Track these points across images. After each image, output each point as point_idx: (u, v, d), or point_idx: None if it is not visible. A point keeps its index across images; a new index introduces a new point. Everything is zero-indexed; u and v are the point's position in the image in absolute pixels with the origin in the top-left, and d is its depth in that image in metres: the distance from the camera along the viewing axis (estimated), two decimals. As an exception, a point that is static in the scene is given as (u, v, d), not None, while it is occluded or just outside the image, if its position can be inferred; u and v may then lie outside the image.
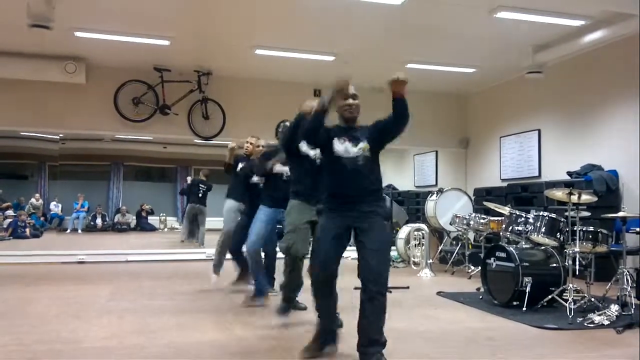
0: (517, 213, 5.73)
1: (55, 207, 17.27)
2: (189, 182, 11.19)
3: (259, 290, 5.20)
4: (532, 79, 8.38)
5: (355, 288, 3.35)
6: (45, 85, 8.82)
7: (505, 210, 6.19)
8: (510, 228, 5.70)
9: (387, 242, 3.37)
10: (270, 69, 9.26)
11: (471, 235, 8.17)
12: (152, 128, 9.51)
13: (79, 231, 16.42)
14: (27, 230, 13.71)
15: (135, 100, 9.16)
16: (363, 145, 3.35)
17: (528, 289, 4.91)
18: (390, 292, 5.89)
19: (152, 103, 9.27)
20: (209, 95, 9.51)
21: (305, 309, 4.71)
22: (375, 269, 3.19)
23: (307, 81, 9.82)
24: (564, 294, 4.89)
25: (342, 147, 3.34)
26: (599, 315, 4.44)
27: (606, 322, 4.35)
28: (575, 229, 5.00)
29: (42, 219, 16.30)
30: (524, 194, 8.34)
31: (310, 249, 3.90)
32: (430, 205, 8.92)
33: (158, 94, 9.28)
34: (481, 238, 7.60)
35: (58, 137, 16.14)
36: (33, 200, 16.62)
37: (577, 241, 4.94)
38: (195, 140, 10.97)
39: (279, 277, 4.83)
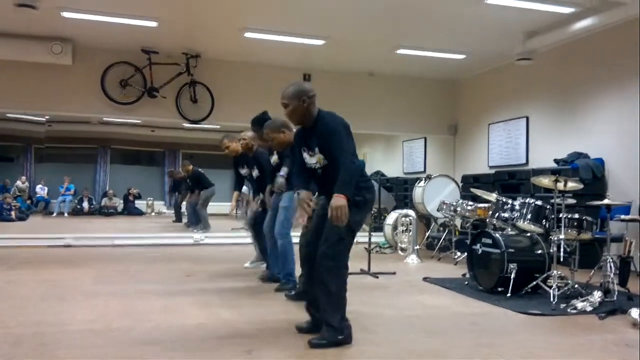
0: (504, 200, 5.76)
1: (41, 190, 17.14)
2: (202, 173, 11.28)
3: (284, 276, 5.24)
4: (522, 66, 8.40)
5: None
6: (31, 66, 8.71)
7: (492, 197, 6.22)
8: (497, 215, 5.73)
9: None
10: (260, 53, 9.20)
11: (458, 222, 8.21)
12: (139, 111, 9.44)
13: (66, 214, 16.33)
14: (13, 213, 13.61)
15: (123, 82, 9.08)
16: (317, 157, 3.52)
17: (513, 275, 4.94)
18: (377, 277, 6.02)
19: (140, 85, 9.19)
20: (198, 78, 9.45)
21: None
22: (321, 245, 3.42)
23: (296, 65, 9.79)
24: (548, 281, 4.94)
25: (305, 155, 3.59)
26: (582, 301, 4.49)
27: (589, 309, 4.39)
28: (560, 216, 5.04)
29: (28, 202, 16.18)
30: (511, 181, 8.39)
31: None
32: (418, 192, 8.95)
33: (146, 77, 9.20)
34: (468, 224, 7.65)
35: (44, 119, 15.99)
36: (19, 182, 16.48)
37: (562, 228, 4.98)
38: (183, 124, 10.92)
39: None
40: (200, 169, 11.73)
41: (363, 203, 3.47)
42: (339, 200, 3.22)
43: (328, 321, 3.37)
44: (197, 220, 10.99)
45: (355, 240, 3.51)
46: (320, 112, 3.53)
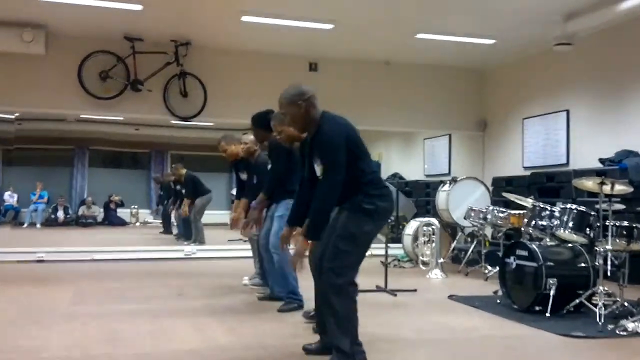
0: (541, 206, 5.75)
1: (10, 198, 17.24)
2: (196, 178, 11.44)
3: (287, 294, 5.29)
4: (561, 52, 8.37)
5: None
6: (-2, 56, 8.78)
7: (528, 202, 6.21)
8: (533, 223, 5.72)
9: (340, 231, 3.45)
10: (259, 39, 9.23)
11: (488, 231, 8.21)
12: (122, 106, 9.48)
13: (38, 225, 16.44)
14: (-22, 224, 13.71)
15: (103, 74, 9.12)
16: (320, 169, 3.53)
17: (552, 292, 4.93)
18: (395, 295, 6.02)
19: (122, 77, 9.23)
20: (188, 69, 9.48)
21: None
22: (324, 260, 3.46)
23: (301, 53, 9.83)
24: (594, 298, 4.94)
25: (315, 166, 3.60)
26: (633, 321, 4.47)
27: (641, 330, 4.39)
28: (607, 223, 5.01)
29: (-5, 211, 16.29)
30: (549, 184, 8.38)
31: None
32: (441, 197, 8.94)
33: (129, 67, 9.23)
34: (500, 234, 7.63)
35: (13, 117, 16.04)
36: (-16, 189, 16.61)
37: (609, 238, 4.96)
38: (172, 121, 10.96)
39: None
40: (193, 173, 11.75)
41: (374, 211, 3.46)
42: (301, 247, 3.49)
43: (337, 346, 3.37)
44: (189, 233, 11.02)
45: (369, 253, 3.51)
46: (323, 117, 3.53)
